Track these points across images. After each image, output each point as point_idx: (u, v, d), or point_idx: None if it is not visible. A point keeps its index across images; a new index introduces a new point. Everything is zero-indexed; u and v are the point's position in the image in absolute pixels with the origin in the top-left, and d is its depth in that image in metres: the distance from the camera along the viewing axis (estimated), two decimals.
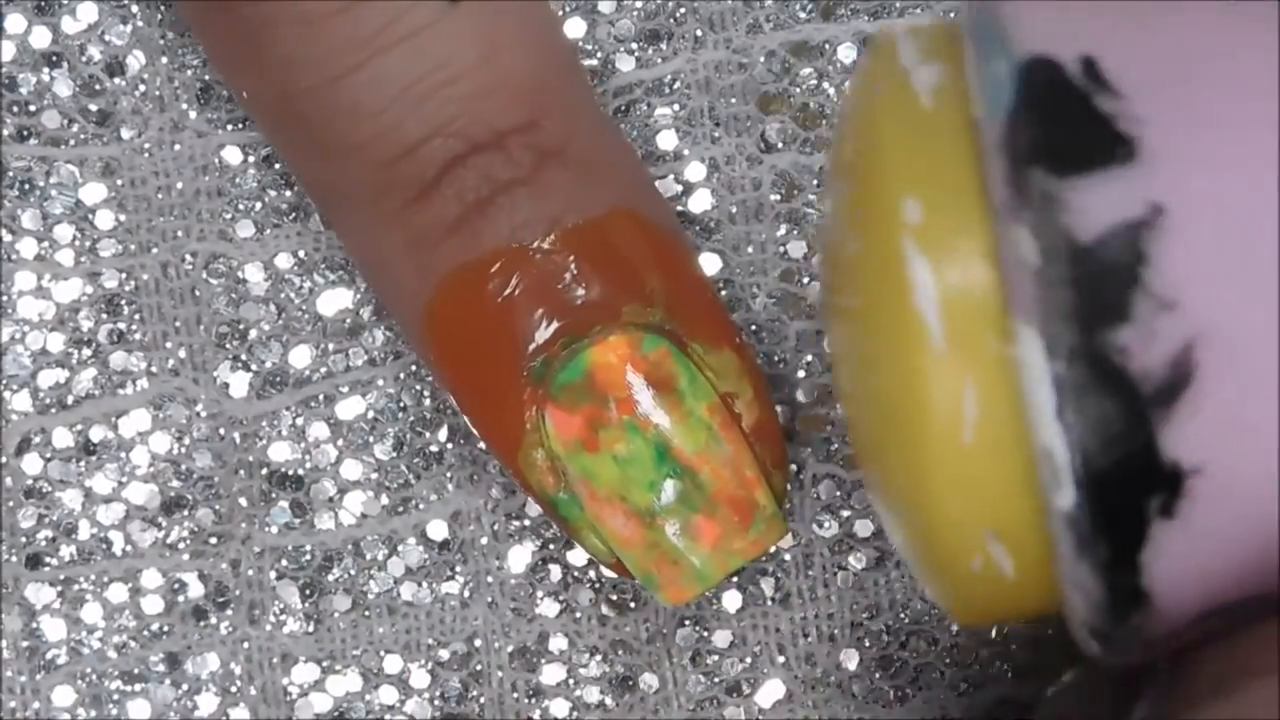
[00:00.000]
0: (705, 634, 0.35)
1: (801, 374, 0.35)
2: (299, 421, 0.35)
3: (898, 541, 0.29)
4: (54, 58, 0.35)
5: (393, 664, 0.35)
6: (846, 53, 0.35)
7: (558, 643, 0.35)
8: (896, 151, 0.27)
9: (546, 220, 0.31)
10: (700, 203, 0.35)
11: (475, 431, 0.32)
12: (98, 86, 0.35)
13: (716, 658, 0.35)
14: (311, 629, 0.35)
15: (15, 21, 0.35)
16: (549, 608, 0.35)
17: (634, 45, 0.35)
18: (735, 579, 0.35)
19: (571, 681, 0.35)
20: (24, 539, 0.34)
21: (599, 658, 0.35)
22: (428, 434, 0.35)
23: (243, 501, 0.35)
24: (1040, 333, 0.25)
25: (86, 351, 0.35)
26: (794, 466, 0.35)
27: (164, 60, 0.35)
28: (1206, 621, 0.26)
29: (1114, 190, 0.25)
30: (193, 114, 0.35)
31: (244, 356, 0.35)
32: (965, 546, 0.27)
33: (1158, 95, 0.26)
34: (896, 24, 0.28)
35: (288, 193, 0.35)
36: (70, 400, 0.35)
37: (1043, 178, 0.25)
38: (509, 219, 0.31)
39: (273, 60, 0.31)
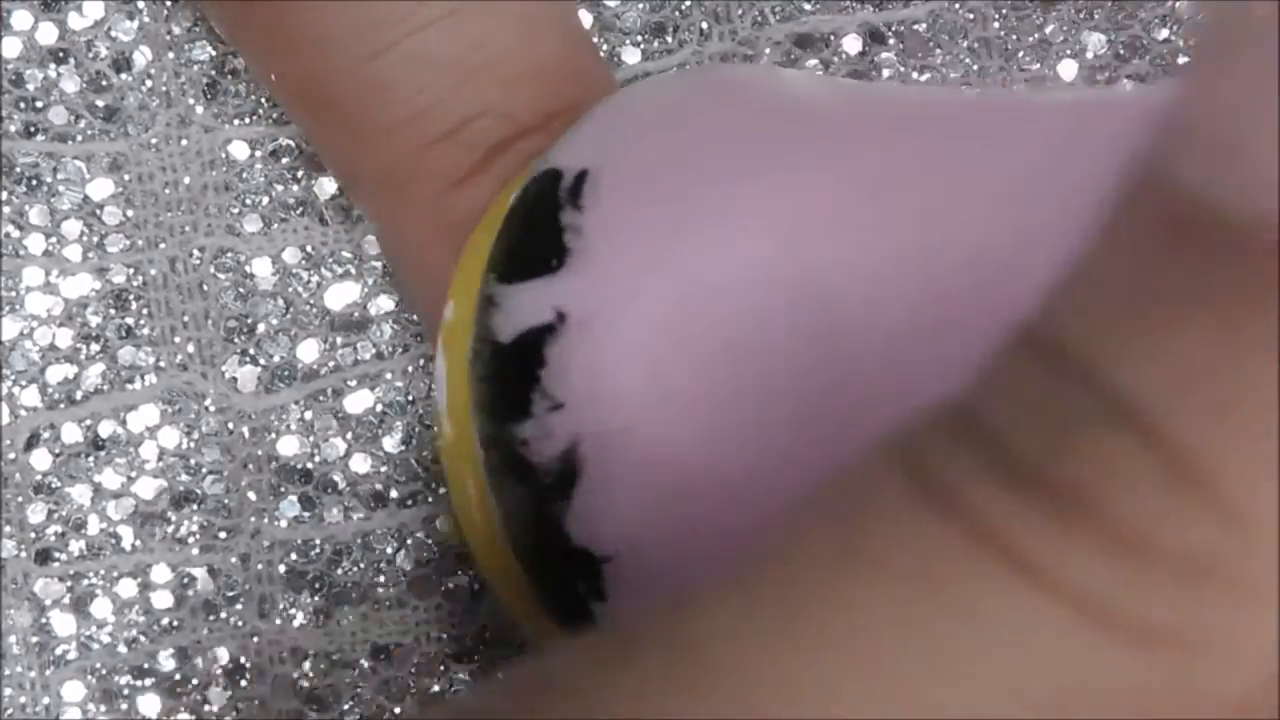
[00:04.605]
0: None
1: None
2: (307, 415, 0.35)
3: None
4: (61, 54, 0.35)
5: None
6: (852, 44, 0.35)
7: None
8: (463, 261, 0.29)
9: None
10: None
11: None
12: (104, 82, 0.35)
13: None
14: (321, 623, 0.35)
15: (22, 18, 0.35)
16: None
17: (640, 37, 0.35)
18: None
19: None
20: (33, 534, 0.34)
21: None
22: (436, 427, 0.35)
23: (252, 496, 0.35)
24: (474, 423, 0.28)
25: (95, 347, 0.35)
26: None
27: (170, 55, 0.35)
28: None
29: (536, 297, 0.27)
30: (199, 109, 0.35)
31: (252, 351, 0.35)
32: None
33: (606, 208, 0.27)
34: None
35: (295, 187, 0.35)
36: (79, 395, 0.35)
37: (491, 282, 0.27)
38: None
39: (302, 38, 0.30)
